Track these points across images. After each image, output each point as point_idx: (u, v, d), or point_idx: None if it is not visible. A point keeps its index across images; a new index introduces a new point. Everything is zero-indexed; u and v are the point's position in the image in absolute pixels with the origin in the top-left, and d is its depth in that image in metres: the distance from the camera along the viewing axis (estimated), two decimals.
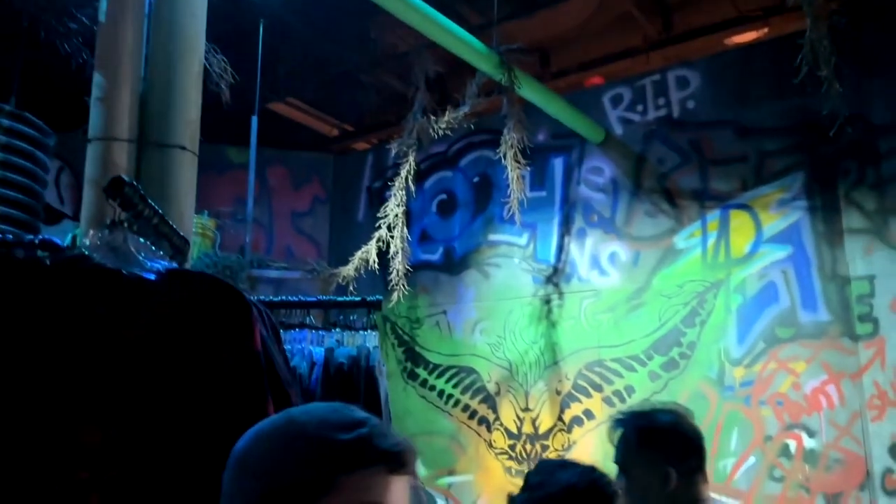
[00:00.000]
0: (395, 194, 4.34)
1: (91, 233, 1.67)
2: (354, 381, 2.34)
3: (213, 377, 1.55)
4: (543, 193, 5.00)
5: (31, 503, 1.44)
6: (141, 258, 1.65)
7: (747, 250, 4.27)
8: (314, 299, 2.72)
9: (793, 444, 3.97)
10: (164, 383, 1.53)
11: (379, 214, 4.38)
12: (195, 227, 3.42)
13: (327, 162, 6.06)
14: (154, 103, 2.23)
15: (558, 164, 5.03)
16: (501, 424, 4.91)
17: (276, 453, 0.90)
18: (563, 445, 4.66)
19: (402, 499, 0.93)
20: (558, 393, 4.73)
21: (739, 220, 4.32)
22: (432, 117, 4.25)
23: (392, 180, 4.44)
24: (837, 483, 3.82)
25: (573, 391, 4.68)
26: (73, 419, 1.49)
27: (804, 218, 4.13)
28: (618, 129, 4.84)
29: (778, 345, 4.09)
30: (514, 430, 4.85)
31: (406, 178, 4.33)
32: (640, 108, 4.78)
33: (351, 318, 2.61)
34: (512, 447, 4.84)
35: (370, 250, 4.35)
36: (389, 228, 4.31)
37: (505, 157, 4.07)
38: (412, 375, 5.29)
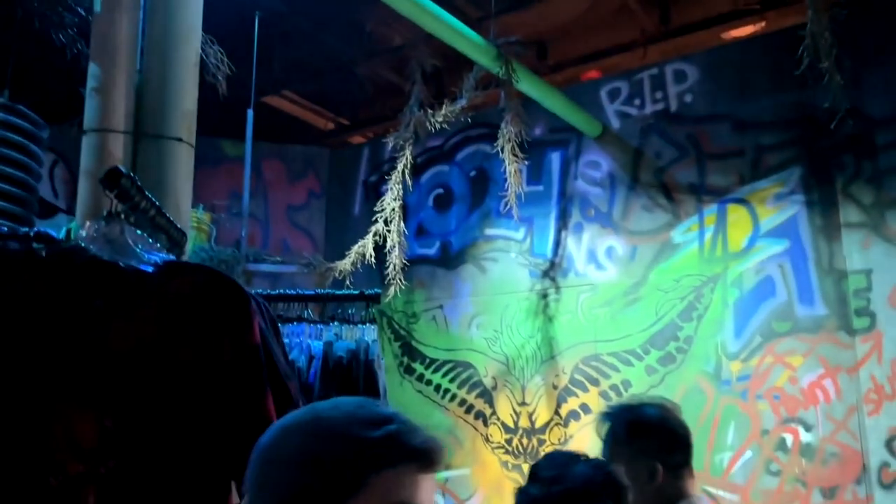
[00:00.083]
0: (391, 188, 4.32)
1: (87, 224, 1.65)
2: (353, 375, 2.33)
3: (211, 370, 1.53)
4: (540, 188, 4.99)
5: (23, 498, 1.42)
6: (138, 250, 1.63)
7: (744, 244, 4.27)
8: (312, 293, 2.70)
9: (789, 438, 3.97)
10: (161, 376, 1.52)
11: (375, 208, 4.36)
12: (190, 220, 3.39)
13: (323, 156, 6.03)
14: (150, 94, 2.20)
15: (555, 158, 5.01)
16: (498, 419, 4.90)
17: (303, 451, 0.88)
18: (559, 440, 4.66)
19: (431, 498, 0.91)
20: (555, 387, 4.73)
21: (736, 214, 4.32)
22: (429, 111, 4.23)
23: (388, 174, 4.42)
24: (834, 477, 3.83)
25: (570, 385, 4.68)
26: (68, 412, 1.47)
27: (801, 212, 4.13)
28: (615, 123, 4.83)
29: (775, 339, 4.09)
30: (511, 425, 4.84)
31: (403, 172, 4.31)
32: (637, 101, 4.77)
33: (349, 311, 2.60)
34: (508, 441, 4.83)
35: (367, 244, 4.33)
36: (386, 222, 4.29)
37: (503, 150, 4.05)
38: (408, 370, 5.28)
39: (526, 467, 4.63)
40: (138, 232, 1.68)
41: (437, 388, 5.16)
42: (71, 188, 4.67)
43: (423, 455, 0.90)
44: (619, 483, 1.58)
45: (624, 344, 4.53)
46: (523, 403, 4.82)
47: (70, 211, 4.55)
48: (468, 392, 5.05)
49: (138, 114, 2.19)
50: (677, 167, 4.56)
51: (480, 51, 3.86)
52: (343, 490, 0.85)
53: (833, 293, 3.98)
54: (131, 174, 1.68)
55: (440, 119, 4.14)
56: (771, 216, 4.21)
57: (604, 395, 4.54)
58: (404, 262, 4.29)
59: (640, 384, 4.44)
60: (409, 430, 0.90)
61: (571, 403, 4.66)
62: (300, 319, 2.56)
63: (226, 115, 4.34)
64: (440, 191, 5.45)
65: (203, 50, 2.66)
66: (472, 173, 5.33)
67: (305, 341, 2.45)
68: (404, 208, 4.46)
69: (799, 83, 3.49)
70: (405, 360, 5.31)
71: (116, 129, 2.13)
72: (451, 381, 5.12)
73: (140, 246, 1.65)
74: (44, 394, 1.46)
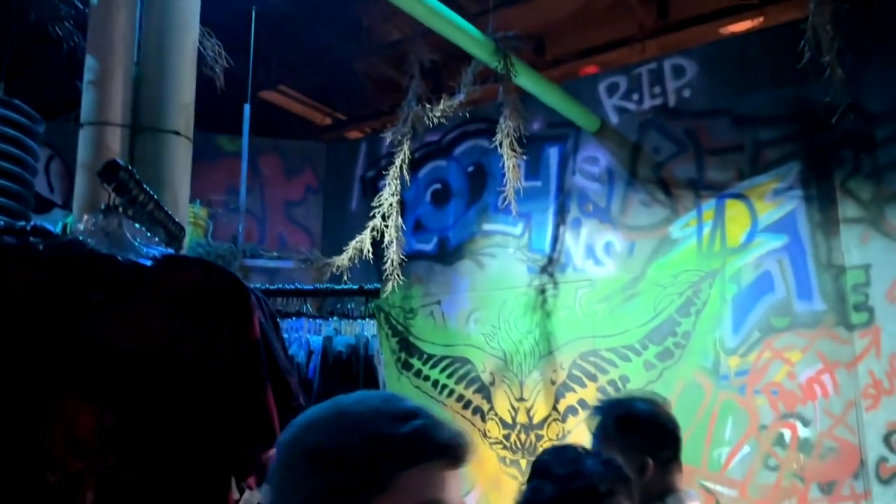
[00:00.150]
0: (389, 183, 4.30)
1: (85, 218, 1.63)
2: (353, 371, 2.32)
3: (211, 365, 1.52)
4: (538, 183, 4.98)
5: (23, 495, 1.41)
6: (136, 244, 1.62)
7: (743, 240, 4.26)
8: (311, 288, 2.69)
9: (787, 434, 3.97)
10: (160, 371, 1.50)
11: (373, 204, 4.35)
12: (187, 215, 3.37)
13: (320, 151, 6.01)
14: (148, 87, 2.19)
15: (553, 153, 5.00)
16: (496, 414, 4.90)
17: (328, 448, 0.85)
18: (557, 435, 4.65)
19: (458, 494, 0.88)
20: (553, 383, 4.72)
21: (735, 209, 4.31)
22: (427, 106, 4.21)
23: (386, 169, 4.40)
24: (832, 472, 3.83)
25: (568, 381, 4.68)
26: (67, 408, 1.46)
27: (800, 207, 4.13)
28: (613, 118, 4.82)
29: (773, 334, 4.09)
30: (509, 420, 4.84)
31: (400, 167, 4.30)
32: (635, 96, 4.76)
33: (348, 306, 2.59)
34: (506, 437, 4.83)
35: (364, 240, 4.32)
36: (383, 218, 4.28)
37: (501, 145, 4.04)
38: (406, 366, 5.27)
39: (524, 463, 4.63)
40: (136, 225, 1.66)
41: (435, 383, 5.15)
42: (67, 183, 4.64)
43: (451, 451, 0.88)
44: (628, 477, 1.58)
45: (622, 339, 4.53)
46: (521, 399, 4.82)
47: (66, 206, 4.54)
48: (466, 388, 5.04)
49: (136, 107, 2.18)
50: (676, 162, 4.55)
51: (478, 46, 3.84)
52: (371, 488, 0.83)
53: (831, 288, 3.98)
54: (129, 167, 1.66)
55: (438, 114, 4.12)
56: (769, 211, 4.21)
57: (602, 390, 4.54)
58: (402, 257, 4.28)
59: (638, 379, 4.44)
60: (435, 425, 0.88)
61: (569, 399, 4.65)
62: (299, 314, 2.54)
63: (223, 109, 4.33)
64: (438, 186, 5.43)
65: (201, 43, 2.64)
66: (470, 168, 5.31)
67: (304, 336, 2.44)
68: (402, 203, 4.45)
69: (798, 78, 3.47)
70: (403, 355, 5.30)
71: (114, 123, 2.11)
72: (449, 376, 5.11)
73: (138, 239, 1.64)
74: (42, 389, 1.45)
